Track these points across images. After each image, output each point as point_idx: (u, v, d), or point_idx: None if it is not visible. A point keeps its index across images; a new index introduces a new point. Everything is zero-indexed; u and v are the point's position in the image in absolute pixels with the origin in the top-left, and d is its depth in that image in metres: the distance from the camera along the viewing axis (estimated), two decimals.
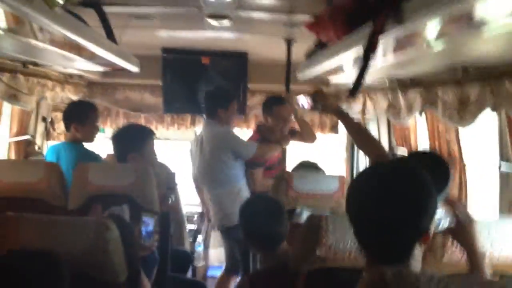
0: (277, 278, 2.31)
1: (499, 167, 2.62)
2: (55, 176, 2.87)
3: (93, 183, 2.83)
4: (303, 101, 2.90)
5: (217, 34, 3.90)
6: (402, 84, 3.44)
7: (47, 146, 3.95)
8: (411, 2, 1.55)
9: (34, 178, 2.83)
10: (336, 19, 2.33)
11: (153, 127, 4.97)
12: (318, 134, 5.21)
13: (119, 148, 3.19)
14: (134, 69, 3.60)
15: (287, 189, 3.12)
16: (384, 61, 2.63)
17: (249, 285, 2.42)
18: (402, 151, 3.97)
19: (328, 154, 6.04)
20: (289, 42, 4.03)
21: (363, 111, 4.36)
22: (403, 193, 1.38)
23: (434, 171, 1.73)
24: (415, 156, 2.23)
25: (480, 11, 1.57)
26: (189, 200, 5.09)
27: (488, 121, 2.68)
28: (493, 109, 2.39)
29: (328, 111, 2.88)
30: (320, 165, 3.49)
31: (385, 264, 1.38)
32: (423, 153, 2.30)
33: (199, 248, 4.92)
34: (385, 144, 4.18)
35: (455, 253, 1.99)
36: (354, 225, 1.45)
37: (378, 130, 4.39)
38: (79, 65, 3.34)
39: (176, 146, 5.82)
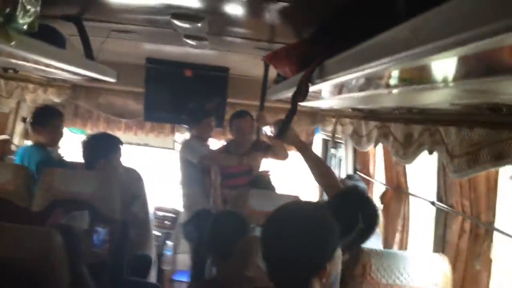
0: None
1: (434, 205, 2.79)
2: (22, 178, 3.03)
3: (57, 188, 3.00)
4: (268, 130, 3.08)
5: (199, 50, 4.08)
6: (364, 115, 3.61)
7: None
8: (331, 62, 1.73)
9: (2, 179, 3.00)
10: (290, 58, 2.51)
11: (132, 133, 5.17)
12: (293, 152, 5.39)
13: (87, 155, 3.36)
14: (111, 80, 3.76)
15: (243, 206, 3.29)
16: (348, 93, 2.80)
17: None
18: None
19: (302, 171, 6.20)
20: (267, 62, 4.20)
21: (333, 134, 4.54)
22: (303, 234, 1.56)
23: (345, 214, 1.93)
24: (340, 197, 2.37)
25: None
26: (162, 204, 5.27)
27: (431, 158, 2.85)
28: (429, 152, 2.55)
29: (290, 141, 3.01)
30: (274, 183, 3.69)
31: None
32: (347, 195, 2.46)
33: (168, 253, 5.10)
34: (349, 167, 4.36)
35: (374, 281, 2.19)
36: (263, 256, 1.63)
37: (345, 153, 4.56)
38: (58, 76, 3.51)
39: (155, 153, 5.99)
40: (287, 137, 2.70)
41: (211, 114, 4.53)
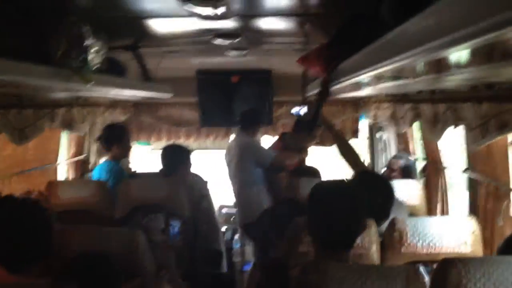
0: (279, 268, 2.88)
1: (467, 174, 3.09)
2: (102, 191, 3.52)
3: (135, 196, 3.48)
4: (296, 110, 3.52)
5: (243, 58, 4.51)
6: (398, 99, 3.92)
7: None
8: (344, 65, 2.10)
9: (85, 194, 3.50)
10: (317, 60, 2.88)
11: (192, 139, 5.66)
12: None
13: (165, 164, 3.85)
14: (168, 96, 4.23)
15: (296, 194, 3.67)
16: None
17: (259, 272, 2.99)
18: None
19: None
20: None
21: (375, 119, 4.86)
22: (345, 203, 1.95)
23: (376, 189, 2.30)
24: (367, 177, 2.76)
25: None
26: (227, 202, 5.71)
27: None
28: (454, 126, 2.86)
29: (323, 125, 3.40)
30: (321, 170, 4.04)
31: (331, 250, 1.95)
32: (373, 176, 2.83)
33: (237, 246, 5.53)
34: (393, 148, 4.68)
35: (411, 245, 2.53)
36: (313, 222, 2.02)
37: (388, 135, 4.87)
38: (121, 97, 4.01)
39: (213, 155, 6.45)
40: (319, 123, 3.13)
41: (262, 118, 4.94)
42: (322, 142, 4.96)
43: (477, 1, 0.97)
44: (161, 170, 3.91)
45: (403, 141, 4.49)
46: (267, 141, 5.65)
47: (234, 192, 4.84)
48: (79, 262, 2.14)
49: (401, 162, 4.00)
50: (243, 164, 4.69)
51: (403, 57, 1.56)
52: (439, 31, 1.21)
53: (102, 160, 4.42)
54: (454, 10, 1.11)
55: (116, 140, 3.99)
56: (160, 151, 3.96)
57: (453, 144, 3.60)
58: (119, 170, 3.97)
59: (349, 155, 3.20)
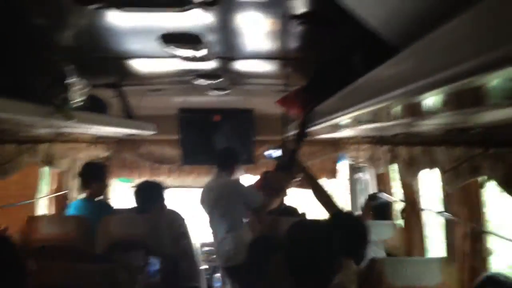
0: None
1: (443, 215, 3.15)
2: (82, 227, 3.51)
3: (114, 233, 3.47)
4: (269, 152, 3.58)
5: (224, 97, 4.58)
6: (376, 141, 4.00)
7: None
8: (319, 108, 2.16)
9: (66, 230, 3.49)
10: (295, 102, 2.96)
11: (174, 176, 5.67)
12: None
13: (139, 201, 3.82)
14: (150, 133, 4.27)
15: (276, 233, 3.69)
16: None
17: None
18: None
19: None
20: None
21: (355, 159, 4.93)
22: (321, 241, 1.98)
23: (351, 230, 2.34)
24: (341, 218, 2.81)
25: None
26: (207, 240, 5.69)
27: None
28: (430, 168, 2.92)
29: (297, 168, 3.46)
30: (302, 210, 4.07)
31: None
32: (348, 217, 2.88)
33: (217, 284, 5.50)
34: (373, 188, 4.74)
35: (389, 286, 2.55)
36: (288, 261, 2.04)
37: (369, 175, 4.93)
38: (104, 134, 4.04)
39: (195, 193, 6.44)
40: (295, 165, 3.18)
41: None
42: (302, 185, 4.97)
43: (444, 50, 1.01)
44: (135, 208, 3.84)
45: (383, 182, 4.55)
46: (247, 180, 5.67)
47: (216, 235, 4.71)
48: None
49: (375, 203, 4.05)
50: (232, 205, 4.44)
51: (373, 102, 1.62)
52: (406, 78, 1.27)
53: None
54: (418, 59, 1.17)
55: (94, 178, 3.99)
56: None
57: (433, 185, 3.66)
58: (97, 208, 3.95)
59: (323, 196, 3.25)
